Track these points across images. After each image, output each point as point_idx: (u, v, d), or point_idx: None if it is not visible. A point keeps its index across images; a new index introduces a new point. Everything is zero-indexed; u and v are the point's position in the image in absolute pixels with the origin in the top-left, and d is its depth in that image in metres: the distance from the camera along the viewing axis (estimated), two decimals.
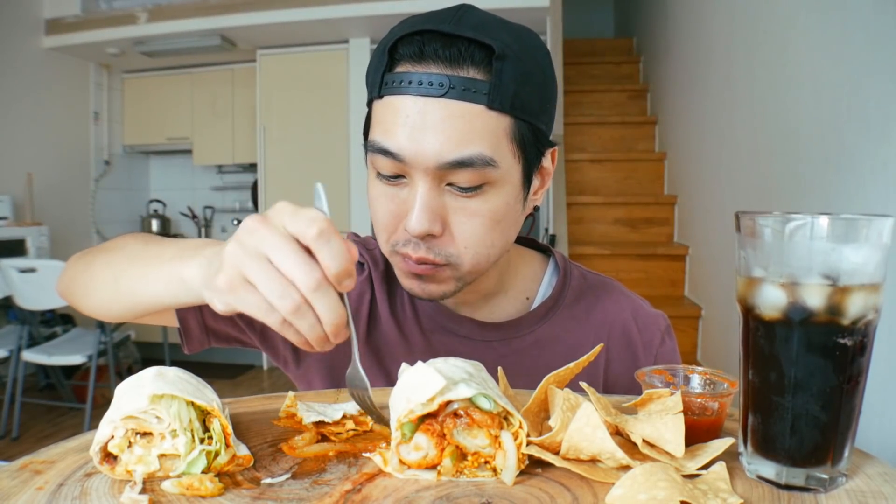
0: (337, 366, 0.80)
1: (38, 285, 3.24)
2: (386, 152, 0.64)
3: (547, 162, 0.73)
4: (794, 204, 1.77)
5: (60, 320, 3.94)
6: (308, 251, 0.48)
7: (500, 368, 0.60)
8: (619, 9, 6.06)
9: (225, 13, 4.10)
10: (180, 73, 5.02)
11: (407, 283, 0.70)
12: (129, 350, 4.01)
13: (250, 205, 5.14)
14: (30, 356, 3.32)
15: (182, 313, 0.77)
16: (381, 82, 0.64)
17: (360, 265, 0.82)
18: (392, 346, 0.79)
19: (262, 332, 0.80)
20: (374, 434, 0.58)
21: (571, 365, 0.55)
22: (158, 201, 5.40)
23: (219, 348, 0.82)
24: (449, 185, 0.64)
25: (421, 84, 0.61)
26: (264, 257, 0.48)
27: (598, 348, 0.56)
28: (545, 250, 0.88)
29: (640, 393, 0.76)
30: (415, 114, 0.62)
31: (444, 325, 0.80)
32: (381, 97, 0.65)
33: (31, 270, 3.24)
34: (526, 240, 0.87)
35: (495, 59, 0.61)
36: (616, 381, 0.80)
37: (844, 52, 1.49)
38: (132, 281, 0.63)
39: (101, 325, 3.34)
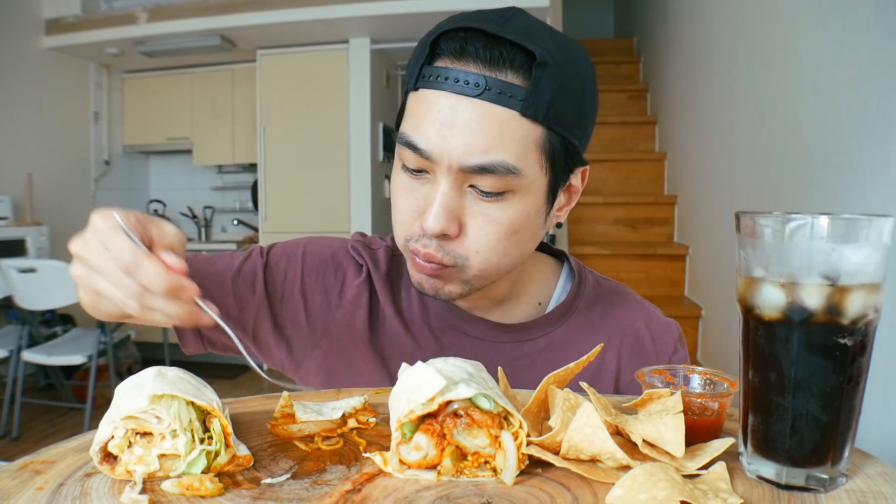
0: (333, 368, 0.80)
1: (38, 285, 3.24)
2: (413, 146, 0.63)
3: (576, 180, 0.71)
4: (795, 204, 1.77)
5: (60, 320, 3.94)
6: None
7: (500, 368, 0.60)
8: (619, 9, 6.06)
9: (225, 13, 4.09)
10: (180, 73, 5.02)
11: (416, 277, 0.70)
12: (129, 350, 4.01)
13: (250, 205, 5.14)
14: (30, 356, 3.32)
15: None
16: (418, 74, 0.64)
17: (359, 266, 0.81)
18: (399, 347, 0.78)
19: (254, 338, 0.80)
20: (371, 433, 0.58)
21: (571, 365, 0.55)
22: (158, 201, 5.40)
23: None
24: (472, 186, 0.64)
25: (457, 81, 0.61)
26: (95, 273, 0.54)
27: (597, 348, 0.56)
28: (559, 255, 0.87)
29: None
30: (446, 110, 0.61)
31: (454, 325, 0.78)
32: (416, 89, 0.64)
33: (31, 270, 3.24)
34: (540, 244, 0.84)
35: (535, 66, 0.60)
36: (627, 389, 0.79)
37: (845, 51, 1.49)
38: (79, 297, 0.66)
39: (101, 325, 3.34)
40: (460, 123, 0.61)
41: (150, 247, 0.55)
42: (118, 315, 0.58)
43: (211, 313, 0.56)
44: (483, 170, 0.61)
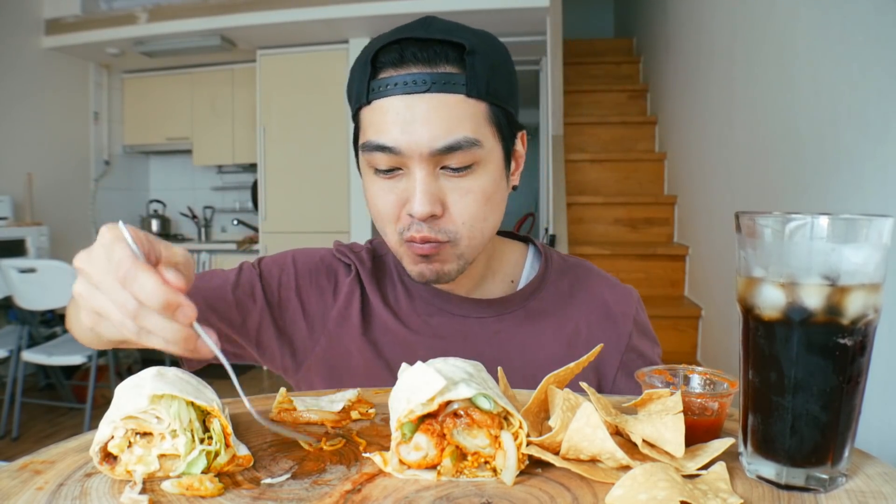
0: (336, 365, 0.83)
1: (38, 285, 3.24)
2: (382, 148, 0.70)
3: (519, 145, 0.80)
4: (794, 204, 1.77)
5: (60, 320, 3.94)
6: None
7: (500, 369, 0.60)
8: (619, 9, 6.06)
9: (225, 13, 4.09)
10: (180, 73, 5.02)
11: (416, 269, 0.76)
12: (129, 350, 4.01)
13: (250, 205, 5.14)
14: (30, 356, 3.32)
15: None
16: (367, 89, 0.71)
17: (348, 266, 0.87)
18: (391, 335, 0.83)
19: (258, 344, 0.83)
20: (371, 433, 0.58)
21: (571, 365, 0.55)
22: (158, 201, 5.40)
23: None
24: (443, 168, 0.71)
25: (406, 84, 0.69)
26: (96, 289, 0.51)
27: (598, 348, 0.57)
28: (524, 240, 0.94)
29: (621, 367, 0.77)
30: (403, 110, 0.69)
31: (440, 307, 0.85)
32: (369, 102, 0.71)
33: (31, 270, 3.24)
34: (506, 233, 0.93)
35: (467, 54, 0.69)
36: (599, 353, 0.83)
37: (844, 52, 1.49)
38: (81, 320, 0.61)
39: None
40: (419, 117, 0.69)
41: (155, 264, 0.52)
42: (118, 340, 0.56)
43: (208, 341, 0.52)
44: (450, 149, 0.69)
